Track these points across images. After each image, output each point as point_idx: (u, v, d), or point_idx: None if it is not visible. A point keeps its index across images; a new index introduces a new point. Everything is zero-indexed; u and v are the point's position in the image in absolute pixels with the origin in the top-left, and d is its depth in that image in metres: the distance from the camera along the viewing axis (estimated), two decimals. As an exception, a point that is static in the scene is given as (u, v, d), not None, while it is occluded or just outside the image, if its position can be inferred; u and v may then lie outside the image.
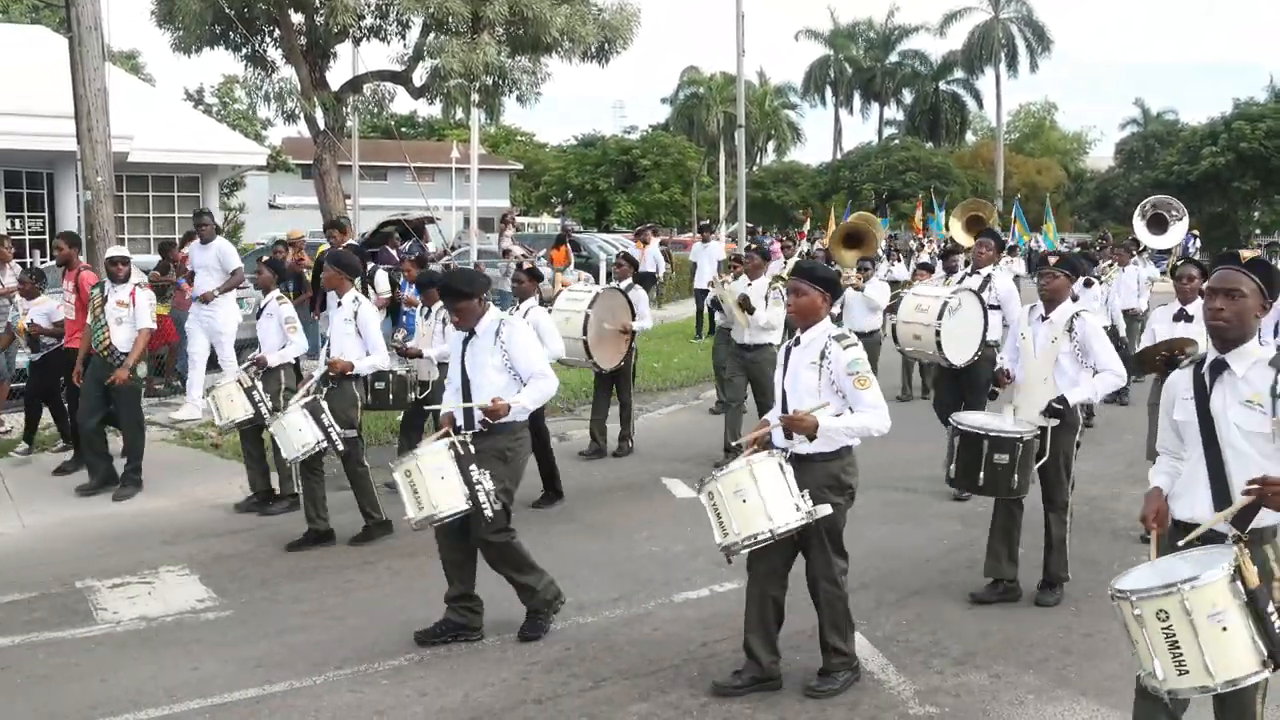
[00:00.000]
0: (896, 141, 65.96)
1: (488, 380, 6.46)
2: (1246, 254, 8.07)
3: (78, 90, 12.50)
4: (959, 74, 67.86)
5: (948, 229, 20.07)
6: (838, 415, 5.61)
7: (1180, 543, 4.14)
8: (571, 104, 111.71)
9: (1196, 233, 43.54)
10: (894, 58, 69.11)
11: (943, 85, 68.92)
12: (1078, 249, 24.16)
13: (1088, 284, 12.77)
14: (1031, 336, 7.37)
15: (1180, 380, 4.48)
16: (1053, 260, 7.58)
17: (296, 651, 6.37)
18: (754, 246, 13.25)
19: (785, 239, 37.33)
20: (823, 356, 5.69)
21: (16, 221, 22.24)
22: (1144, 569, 4.07)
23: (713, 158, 59.34)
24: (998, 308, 9.76)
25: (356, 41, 20.83)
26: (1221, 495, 4.17)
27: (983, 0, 63.84)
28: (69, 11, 12.59)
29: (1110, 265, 15.87)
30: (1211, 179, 46.34)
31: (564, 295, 11.95)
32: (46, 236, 22.32)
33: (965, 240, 16.72)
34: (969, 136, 72.59)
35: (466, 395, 6.52)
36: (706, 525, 5.75)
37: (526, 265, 11.27)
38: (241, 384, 9.29)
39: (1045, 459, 7.06)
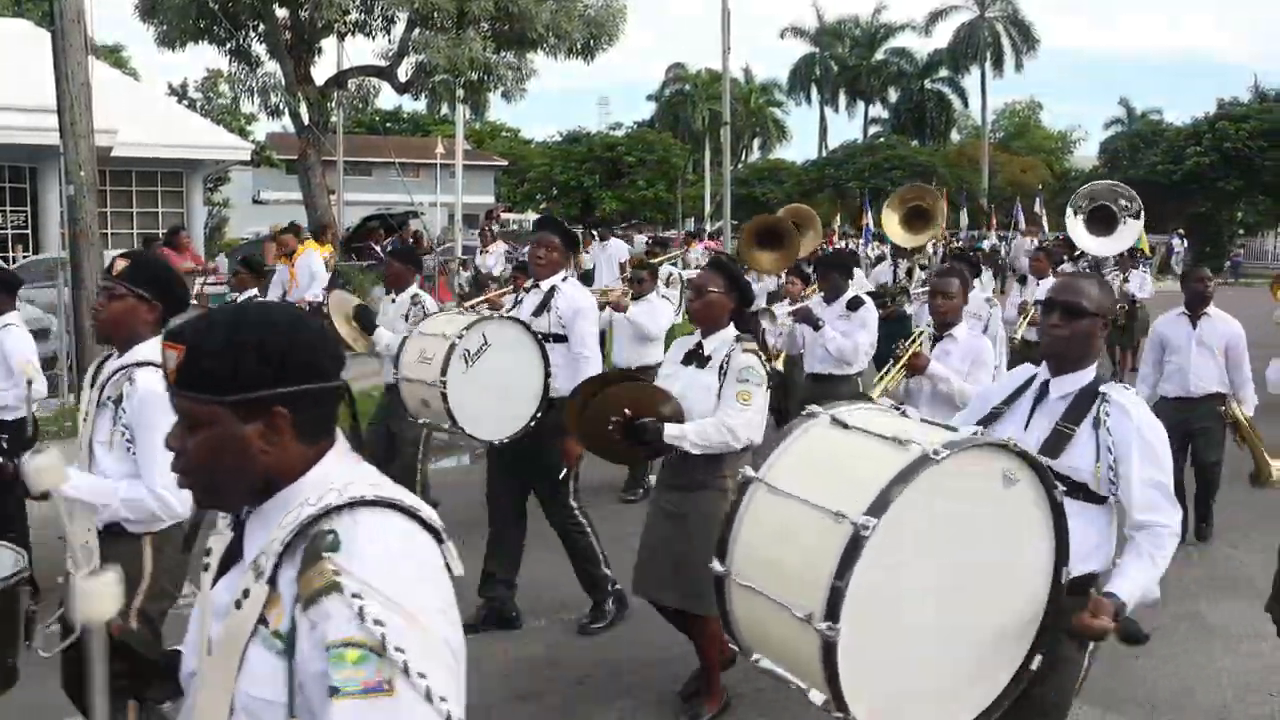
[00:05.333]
0: (882, 139, 66.03)
1: None
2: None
3: (60, 84, 12.44)
4: (944, 72, 67.96)
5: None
6: None
7: None
8: (556, 100, 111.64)
9: (1183, 232, 43.77)
10: (880, 56, 69.15)
11: (928, 83, 68.97)
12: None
13: (882, 307, 9.68)
14: None
15: None
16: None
17: (279, 648, 6.33)
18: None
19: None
20: None
21: (-1, 216, 22.18)
22: None
23: (698, 155, 59.42)
24: (564, 338, 6.59)
25: (341, 36, 20.83)
26: None
27: (968, -1, 63.99)
28: (52, 5, 12.54)
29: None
30: (1196, 179, 46.44)
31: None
32: (29, 231, 22.26)
33: (902, 239, 13.56)
34: (954, 135, 72.67)
35: None
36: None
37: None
38: None
39: None
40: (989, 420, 3.71)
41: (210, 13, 19.11)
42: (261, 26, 20.04)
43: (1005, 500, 3.00)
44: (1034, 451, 3.23)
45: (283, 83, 19.93)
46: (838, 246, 26.03)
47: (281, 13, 19.86)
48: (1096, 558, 3.58)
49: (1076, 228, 13.51)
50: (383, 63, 20.96)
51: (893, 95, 70.32)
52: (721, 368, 5.16)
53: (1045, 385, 3.73)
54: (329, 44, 21.49)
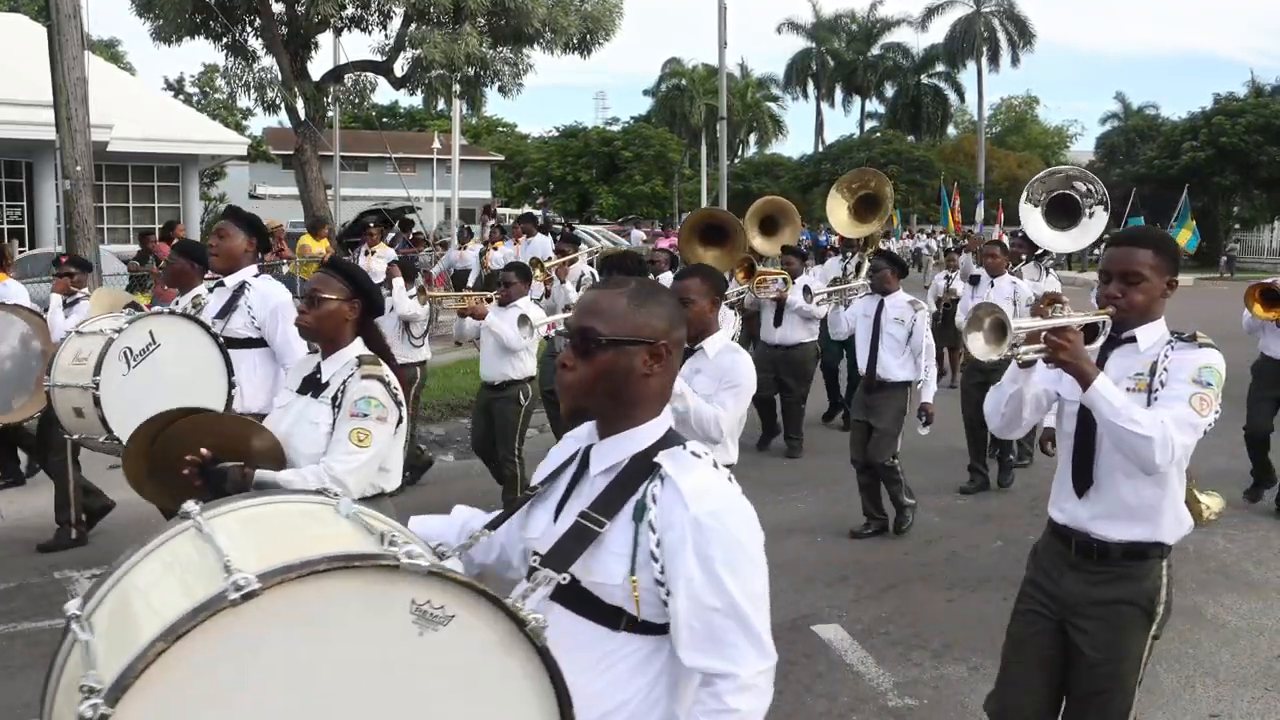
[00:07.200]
0: (878, 135, 66.04)
1: None
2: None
3: (57, 79, 12.44)
4: (941, 67, 67.97)
5: (904, 216, 12.44)
6: None
7: None
8: (553, 95, 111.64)
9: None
10: (876, 51, 69.15)
11: (924, 78, 68.94)
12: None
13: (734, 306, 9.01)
14: None
15: None
16: None
17: (277, 643, 6.34)
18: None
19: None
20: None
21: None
22: None
23: (694, 150, 59.36)
24: (260, 342, 5.89)
25: (338, 31, 20.81)
26: None
27: (965, -7, 63.94)
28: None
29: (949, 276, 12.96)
30: (1192, 174, 46.44)
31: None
32: (26, 226, 22.25)
33: (847, 228, 12.27)
34: (950, 130, 72.67)
35: None
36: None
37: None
38: None
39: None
40: (518, 506, 2.53)
41: (206, 7, 19.08)
42: (257, 21, 20.01)
43: (431, 653, 1.81)
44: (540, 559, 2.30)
45: (279, 78, 19.91)
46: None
47: (277, 7, 19.83)
48: None
49: (1033, 221, 10.94)
50: (379, 58, 20.94)
51: (889, 90, 70.36)
52: (336, 398, 4.03)
53: (588, 454, 2.43)
54: (325, 39, 21.50)
